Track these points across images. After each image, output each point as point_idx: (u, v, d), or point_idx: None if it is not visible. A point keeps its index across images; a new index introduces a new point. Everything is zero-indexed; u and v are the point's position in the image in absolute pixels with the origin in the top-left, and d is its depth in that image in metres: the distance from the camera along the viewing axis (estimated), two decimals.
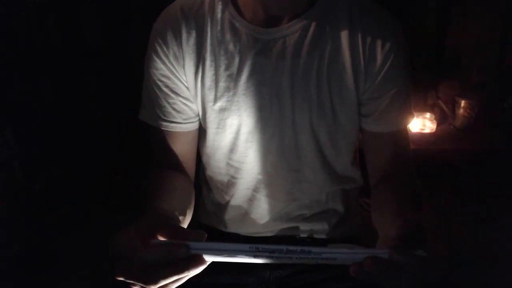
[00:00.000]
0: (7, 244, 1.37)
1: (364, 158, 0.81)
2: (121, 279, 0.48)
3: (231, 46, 0.70)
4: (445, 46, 1.90)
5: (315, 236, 0.83)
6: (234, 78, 0.71)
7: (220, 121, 0.73)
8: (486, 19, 1.84)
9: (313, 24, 0.69)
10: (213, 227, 0.86)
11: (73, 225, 1.51)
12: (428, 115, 1.89)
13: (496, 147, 1.83)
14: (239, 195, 0.80)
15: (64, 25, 1.69)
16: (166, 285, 0.48)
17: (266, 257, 0.46)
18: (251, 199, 0.80)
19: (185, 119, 0.75)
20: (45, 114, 1.67)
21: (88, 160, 1.73)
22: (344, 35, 0.69)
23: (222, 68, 0.71)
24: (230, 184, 0.80)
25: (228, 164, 0.78)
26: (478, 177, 1.73)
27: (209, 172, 0.82)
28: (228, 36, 0.70)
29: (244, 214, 0.82)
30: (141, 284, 0.47)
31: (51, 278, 1.25)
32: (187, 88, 0.74)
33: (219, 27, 0.71)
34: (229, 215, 0.83)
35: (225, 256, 0.47)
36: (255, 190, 0.79)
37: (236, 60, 0.70)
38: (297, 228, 0.82)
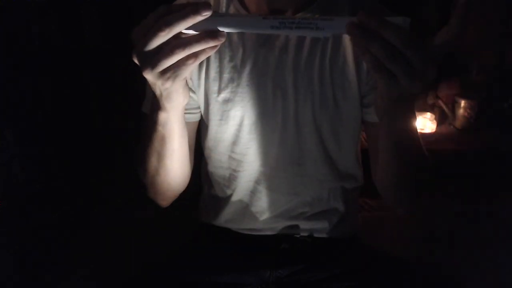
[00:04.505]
0: (7, 244, 1.37)
1: (366, 159, 0.81)
2: (138, 46, 0.49)
3: (235, 38, 0.72)
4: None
5: (315, 235, 0.83)
6: (238, 70, 0.72)
7: (224, 113, 0.74)
8: (486, 19, 1.84)
9: None
10: (213, 225, 0.86)
11: (73, 225, 1.50)
12: (428, 115, 1.89)
13: (496, 147, 1.83)
14: (240, 188, 0.81)
15: (64, 24, 1.68)
16: (183, 44, 0.48)
17: (274, 18, 0.49)
18: (253, 192, 0.80)
19: (186, 109, 0.75)
20: (45, 114, 1.67)
21: (88, 159, 1.73)
22: None
23: (227, 59, 0.73)
24: (232, 178, 0.80)
25: (230, 157, 0.78)
26: (478, 177, 1.73)
27: (210, 167, 0.83)
28: None
29: (245, 208, 0.82)
30: (153, 35, 0.47)
31: (51, 278, 1.24)
32: (190, 78, 0.75)
33: None
34: (230, 209, 0.83)
35: (236, 21, 0.50)
36: (257, 182, 0.80)
37: (240, 52, 0.72)
38: (297, 226, 0.82)
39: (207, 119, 0.77)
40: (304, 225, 0.82)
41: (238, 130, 0.76)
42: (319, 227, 0.83)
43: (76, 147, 1.72)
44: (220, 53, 0.73)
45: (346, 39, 0.72)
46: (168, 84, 0.51)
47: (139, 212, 1.42)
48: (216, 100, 0.74)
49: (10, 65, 1.48)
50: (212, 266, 0.79)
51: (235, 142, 0.77)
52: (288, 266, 0.80)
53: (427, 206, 1.57)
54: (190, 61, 0.49)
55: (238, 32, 0.73)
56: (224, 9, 0.73)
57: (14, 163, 1.51)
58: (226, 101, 0.74)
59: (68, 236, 1.44)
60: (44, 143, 1.63)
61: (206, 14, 0.48)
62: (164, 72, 0.50)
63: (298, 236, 0.83)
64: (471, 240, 1.49)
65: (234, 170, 0.80)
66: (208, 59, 0.73)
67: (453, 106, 1.92)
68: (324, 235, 0.84)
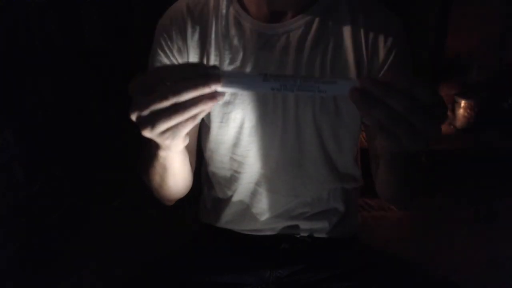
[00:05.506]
0: (7, 244, 1.37)
1: (365, 159, 0.81)
2: (137, 107, 0.48)
3: (235, 41, 0.72)
4: (445, 46, 1.90)
5: (315, 235, 0.83)
6: None
7: (224, 115, 0.74)
8: (486, 19, 1.84)
9: (316, 20, 0.71)
10: (214, 225, 0.86)
11: (73, 225, 1.51)
12: None
13: (496, 147, 1.83)
14: (241, 189, 0.81)
15: (64, 25, 1.68)
16: (182, 109, 0.47)
17: (274, 80, 0.48)
18: (253, 193, 0.80)
19: None
20: (45, 114, 1.66)
21: (88, 160, 1.73)
22: (346, 31, 0.71)
23: (227, 62, 0.72)
24: (233, 179, 0.80)
25: (231, 158, 0.79)
26: (478, 177, 1.73)
27: (211, 168, 0.83)
28: (232, 31, 0.72)
29: (246, 209, 0.82)
30: (157, 102, 0.47)
31: (51, 278, 1.25)
32: None
33: (223, 23, 0.73)
34: (230, 210, 0.83)
35: (236, 82, 0.49)
36: (258, 184, 0.80)
37: (240, 54, 0.72)
38: (297, 226, 0.82)
39: (208, 121, 0.77)
40: (304, 225, 0.82)
41: (238, 133, 0.76)
42: (319, 227, 0.83)
43: (76, 147, 1.72)
44: (220, 56, 0.73)
45: (347, 41, 0.71)
46: (167, 142, 0.52)
47: (139, 212, 1.42)
48: (217, 103, 0.74)
49: (10, 65, 1.48)
50: (212, 266, 0.79)
51: (236, 144, 0.77)
52: (288, 266, 0.80)
53: (427, 206, 1.57)
54: (188, 123, 0.49)
55: (238, 34, 0.72)
56: (224, 11, 0.73)
57: (14, 163, 1.50)
58: (227, 103, 0.74)
59: (68, 236, 1.44)
60: (44, 143, 1.63)
61: (216, 87, 0.47)
62: (163, 132, 0.50)
63: (298, 236, 0.83)
64: (471, 240, 1.49)
65: (236, 171, 0.80)
66: (207, 62, 0.73)
67: (453, 106, 1.92)
68: (324, 235, 0.84)
